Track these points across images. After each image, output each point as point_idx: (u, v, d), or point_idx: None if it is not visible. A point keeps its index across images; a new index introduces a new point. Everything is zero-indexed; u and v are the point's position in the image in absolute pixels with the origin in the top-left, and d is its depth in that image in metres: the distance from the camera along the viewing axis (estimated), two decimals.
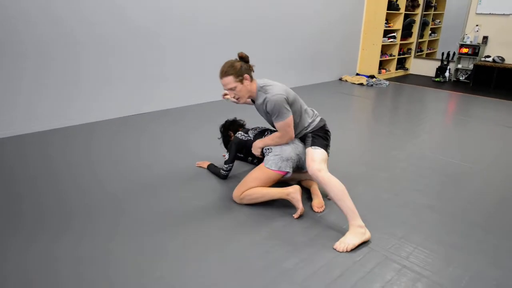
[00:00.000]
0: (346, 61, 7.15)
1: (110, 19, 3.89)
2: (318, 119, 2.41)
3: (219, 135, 2.96)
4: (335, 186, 2.05)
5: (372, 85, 6.55)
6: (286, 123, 2.22)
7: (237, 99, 2.28)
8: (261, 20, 5.30)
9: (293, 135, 2.32)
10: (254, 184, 2.32)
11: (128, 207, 2.33)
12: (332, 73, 6.91)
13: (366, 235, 2.01)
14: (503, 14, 6.49)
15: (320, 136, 2.34)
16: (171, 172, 2.84)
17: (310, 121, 2.37)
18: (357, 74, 7.27)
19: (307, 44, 6.18)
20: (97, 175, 2.76)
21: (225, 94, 2.58)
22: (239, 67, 2.17)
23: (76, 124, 3.89)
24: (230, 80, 2.16)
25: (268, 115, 2.31)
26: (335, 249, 1.97)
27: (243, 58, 2.23)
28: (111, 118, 4.13)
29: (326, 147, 2.30)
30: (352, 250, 1.96)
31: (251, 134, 2.59)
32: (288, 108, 2.21)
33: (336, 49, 6.77)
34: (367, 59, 7.24)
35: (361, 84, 6.62)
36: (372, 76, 6.96)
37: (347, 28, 6.85)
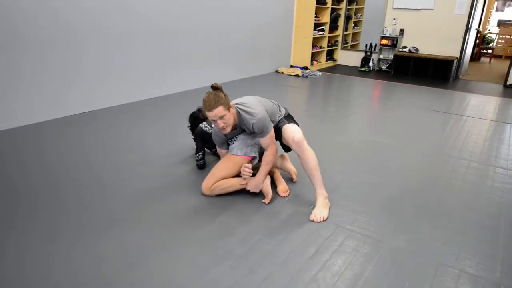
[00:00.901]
0: (281, 54, 7.44)
1: (109, 12, 4.14)
2: (283, 110, 2.57)
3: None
4: (313, 157, 2.32)
5: (307, 76, 6.91)
6: (271, 135, 2.32)
7: (224, 128, 2.25)
8: (199, 16, 5.30)
9: (276, 146, 2.41)
10: (222, 173, 2.42)
11: (124, 201, 2.29)
12: (268, 65, 7.14)
13: (329, 204, 2.38)
14: (415, 9, 7.26)
15: (291, 117, 2.56)
16: (158, 162, 2.82)
17: (278, 115, 2.51)
18: (292, 66, 7.61)
19: (243, 38, 6.32)
20: (92, 166, 2.83)
21: None
22: (224, 97, 2.20)
23: (73, 114, 4.05)
24: (220, 110, 2.16)
25: (250, 132, 2.39)
26: (313, 221, 2.23)
27: (219, 89, 2.24)
28: (107, 107, 4.31)
29: (297, 125, 2.51)
30: (323, 228, 2.17)
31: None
32: (270, 122, 2.33)
33: (271, 42, 7.01)
34: (300, 52, 7.61)
35: (297, 75, 6.95)
36: (306, 68, 7.34)
37: (280, 22, 7.12)
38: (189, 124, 2.94)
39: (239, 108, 2.31)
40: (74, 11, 3.83)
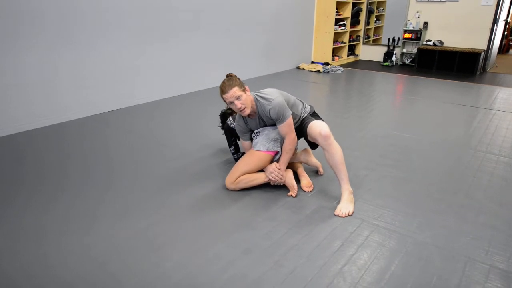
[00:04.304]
0: (302, 50, 7.40)
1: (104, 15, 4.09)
2: (309, 107, 2.58)
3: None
4: (340, 151, 2.32)
5: (328, 71, 6.87)
6: (288, 123, 2.35)
7: (242, 109, 2.30)
8: (220, 12, 5.35)
9: (295, 134, 2.44)
10: (246, 168, 2.46)
11: (146, 193, 2.36)
12: (289, 62, 7.13)
13: (354, 199, 2.38)
14: (440, 1, 7.08)
15: (316, 115, 2.58)
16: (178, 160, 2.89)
17: (302, 110, 2.53)
18: (312, 62, 7.57)
19: (265, 35, 6.32)
20: (123, 156, 2.78)
21: None
22: (239, 80, 2.30)
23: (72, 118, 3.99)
24: (235, 90, 2.24)
25: (270, 121, 2.44)
26: (338, 216, 2.23)
27: (233, 77, 2.33)
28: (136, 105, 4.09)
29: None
30: (348, 222, 2.17)
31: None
32: (288, 108, 2.36)
33: (291, 38, 6.99)
34: (321, 47, 7.55)
35: (318, 71, 6.91)
36: (327, 63, 7.29)
37: (300, 18, 7.09)
38: (220, 122, 3.02)
39: (257, 95, 2.38)
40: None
